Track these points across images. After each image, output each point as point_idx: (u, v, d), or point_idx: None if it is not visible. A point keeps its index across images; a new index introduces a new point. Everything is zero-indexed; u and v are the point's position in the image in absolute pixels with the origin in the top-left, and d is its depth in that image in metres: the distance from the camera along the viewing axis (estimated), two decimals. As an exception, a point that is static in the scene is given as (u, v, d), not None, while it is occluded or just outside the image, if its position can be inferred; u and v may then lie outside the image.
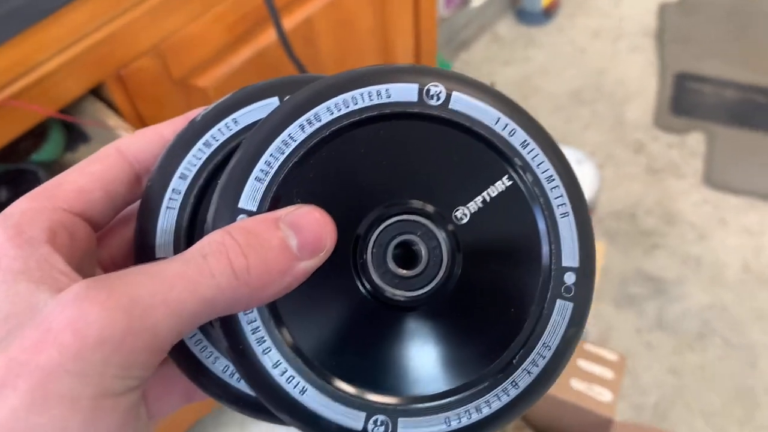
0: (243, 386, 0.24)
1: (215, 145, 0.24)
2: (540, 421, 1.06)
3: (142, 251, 0.24)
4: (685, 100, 1.61)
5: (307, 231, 0.20)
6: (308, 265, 0.20)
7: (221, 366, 0.24)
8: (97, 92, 0.69)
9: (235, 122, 0.24)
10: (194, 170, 0.24)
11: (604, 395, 0.96)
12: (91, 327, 0.17)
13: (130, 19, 0.64)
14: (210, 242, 0.20)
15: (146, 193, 0.24)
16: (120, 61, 0.66)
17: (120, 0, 0.63)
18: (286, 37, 0.72)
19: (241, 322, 0.21)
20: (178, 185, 0.24)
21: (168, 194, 0.24)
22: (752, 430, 1.18)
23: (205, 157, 0.24)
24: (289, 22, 0.79)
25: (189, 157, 0.24)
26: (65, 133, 0.75)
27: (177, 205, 0.24)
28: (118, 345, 0.17)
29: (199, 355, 0.24)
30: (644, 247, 1.40)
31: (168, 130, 0.25)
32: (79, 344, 0.17)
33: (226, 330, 0.21)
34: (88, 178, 0.23)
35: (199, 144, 0.24)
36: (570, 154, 1.26)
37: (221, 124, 0.24)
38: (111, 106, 0.69)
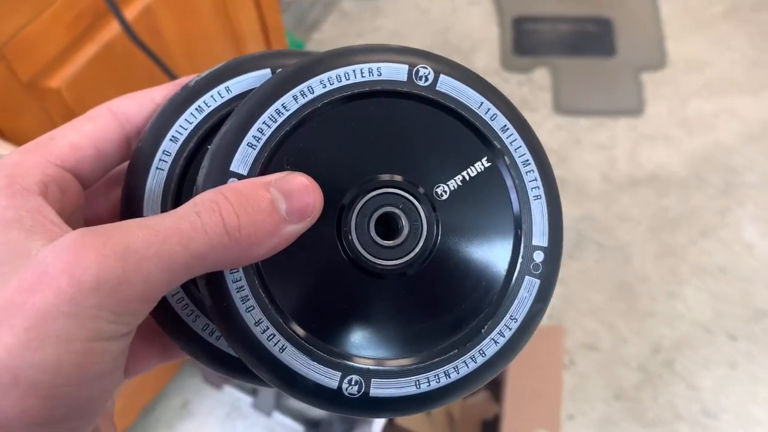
0: (222, 345, 0.24)
1: (207, 110, 0.24)
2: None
3: (129, 209, 0.24)
4: (526, 40, 1.73)
5: (295, 196, 0.21)
6: (295, 228, 0.21)
7: (201, 324, 0.24)
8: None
9: (228, 90, 0.24)
10: (185, 134, 0.24)
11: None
12: (86, 272, 0.17)
13: (-37, 27, 0.64)
14: (203, 200, 0.20)
15: (136, 153, 0.24)
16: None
17: (-51, 10, 0.63)
18: (130, 27, 0.74)
19: (227, 280, 0.22)
20: (169, 147, 0.24)
21: (158, 155, 0.24)
22: (635, 317, 1.31)
23: (196, 121, 0.24)
24: (129, 14, 0.81)
25: (181, 120, 0.24)
26: None
27: (167, 166, 0.24)
28: (113, 291, 0.18)
29: (180, 312, 0.24)
30: (514, 178, 1.51)
31: (159, 94, 0.25)
32: (75, 288, 0.17)
33: (210, 287, 0.22)
34: (81, 135, 0.23)
35: (191, 108, 0.24)
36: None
37: (214, 91, 0.24)
38: (-38, 119, 0.69)
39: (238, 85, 0.24)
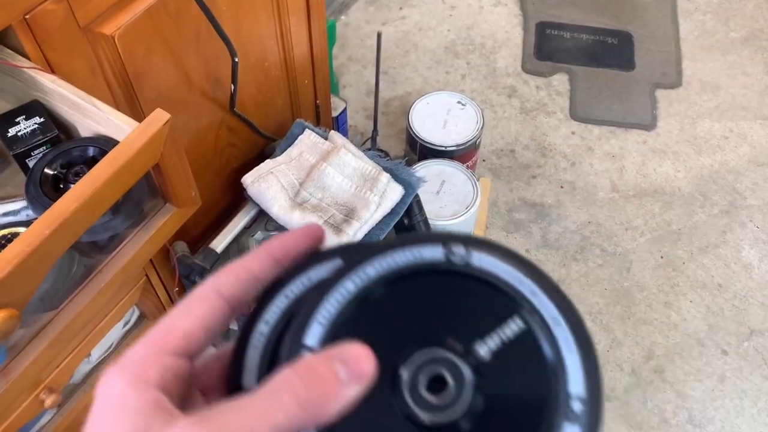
0: None
1: (292, 297, 0.29)
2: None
3: (233, 379, 0.29)
4: (548, 46, 1.76)
5: (352, 362, 0.25)
6: (354, 390, 0.25)
7: None
8: (3, 39, 0.70)
9: (309, 279, 0.30)
10: (275, 318, 0.29)
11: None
12: None
13: (31, -36, 0.66)
14: (282, 378, 0.24)
15: (240, 334, 0.29)
16: (25, 5, 0.67)
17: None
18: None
19: None
20: (263, 329, 0.29)
21: (255, 336, 0.29)
22: (631, 323, 1.34)
23: (283, 308, 0.29)
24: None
25: (273, 307, 0.29)
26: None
27: (260, 345, 0.29)
28: None
29: None
30: (525, 178, 1.54)
31: (255, 266, 0.30)
32: None
33: None
34: (193, 322, 0.28)
35: (281, 296, 0.29)
36: (453, 97, 1.36)
37: (298, 281, 0.30)
38: (19, 53, 0.70)
39: (317, 273, 0.30)
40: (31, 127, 0.70)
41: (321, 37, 1.16)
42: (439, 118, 1.34)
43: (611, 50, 1.76)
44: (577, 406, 0.25)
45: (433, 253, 0.28)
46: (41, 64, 0.72)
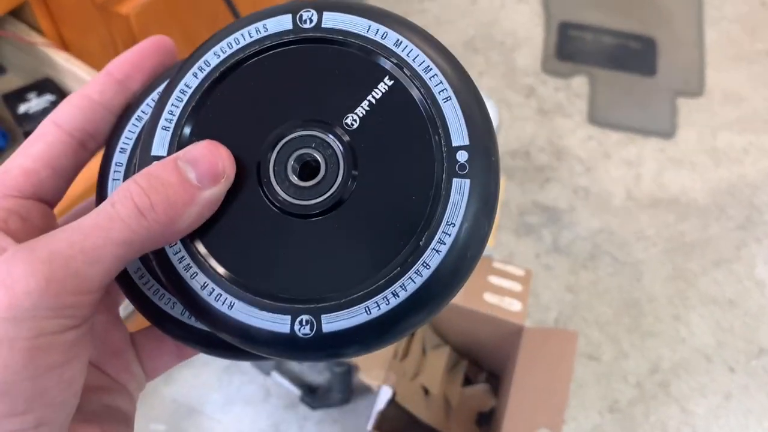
0: (200, 326, 0.26)
1: (145, 117, 0.27)
2: (457, 336, 1.14)
3: None
4: (569, 46, 1.73)
5: (201, 162, 0.22)
6: (213, 192, 0.23)
7: (179, 310, 0.26)
8: (18, 15, 0.68)
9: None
10: (131, 143, 0.27)
11: (514, 305, 1.05)
12: (17, 282, 0.20)
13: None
14: (118, 191, 0.22)
15: (99, 171, 0.27)
16: (42, -19, 0.65)
17: None
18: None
19: (168, 254, 0.23)
20: (119, 158, 0.27)
21: (112, 168, 0.27)
22: (638, 335, 1.32)
23: (138, 130, 0.27)
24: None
25: (126, 132, 0.27)
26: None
27: (120, 176, 0.26)
28: (44, 291, 0.20)
29: (158, 303, 0.26)
30: (539, 180, 1.51)
31: (94, 91, 0.27)
32: (9, 296, 0.20)
33: (158, 264, 0.24)
34: (32, 159, 0.25)
35: (133, 119, 0.27)
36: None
37: (149, 99, 0.27)
38: (34, 29, 0.68)
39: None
40: (43, 105, 0.68)
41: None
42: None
43: (634, 55, 1.73)
44: (462, 157, 0.23)
45: (280, 23, 0.24)
46: (55, 41, 0.70)
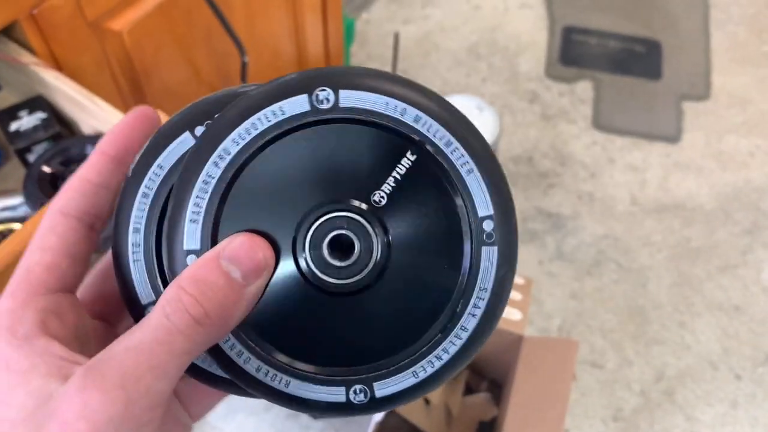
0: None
1: (151, 194, 0.26)
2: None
3: (130, 303, 0.27)
4: (573, 51, 1.72)
5: (244, 258, 0.23)
6: (258, 285, 0.23)
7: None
8: (9, 34, 0.69)
9: (161, 167, 0.26)
10: (143, 222, 0.26)
11: (514, 315, 1.05)
12: (97, 412, 0.21)
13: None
14: (168, 301, 0.22)
15: (113, 252, 0.27)
16: (32, 0, 0.66)
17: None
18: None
19: (222, 347, 0.24)
20: (135, 239, 0.26)
21: (130, 249, 0.26)
22: (644, 343, 1.31)
23: (147, 207, 0.26)
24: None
25: (135, 211, 0.26)
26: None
27: (141, 256, 0.26)
28: (123, 416, 0.21)
29: (201, 364, 0.27)
30: (542, 186, 1.51)
31: (92, 174, 0.27)
32: (92, 427, 0.20)
33: (213, 358, 0.25)
34: (51, 253, 0.25)
35: (138, 197, 0.26)
36: (471, 102, 1.33)
37: (150, 173, 0.26)
38: (25, 47, 0.69)
39: (167, 158, 0.26)
40: (33, 123, 0.69)
41: (337, 35, 1.13)
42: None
43: (639, 59, 1.72)
44: (488, 226, 0.24)
45: (297, 105, 0.24)
46: (48, 59, 0.71)
